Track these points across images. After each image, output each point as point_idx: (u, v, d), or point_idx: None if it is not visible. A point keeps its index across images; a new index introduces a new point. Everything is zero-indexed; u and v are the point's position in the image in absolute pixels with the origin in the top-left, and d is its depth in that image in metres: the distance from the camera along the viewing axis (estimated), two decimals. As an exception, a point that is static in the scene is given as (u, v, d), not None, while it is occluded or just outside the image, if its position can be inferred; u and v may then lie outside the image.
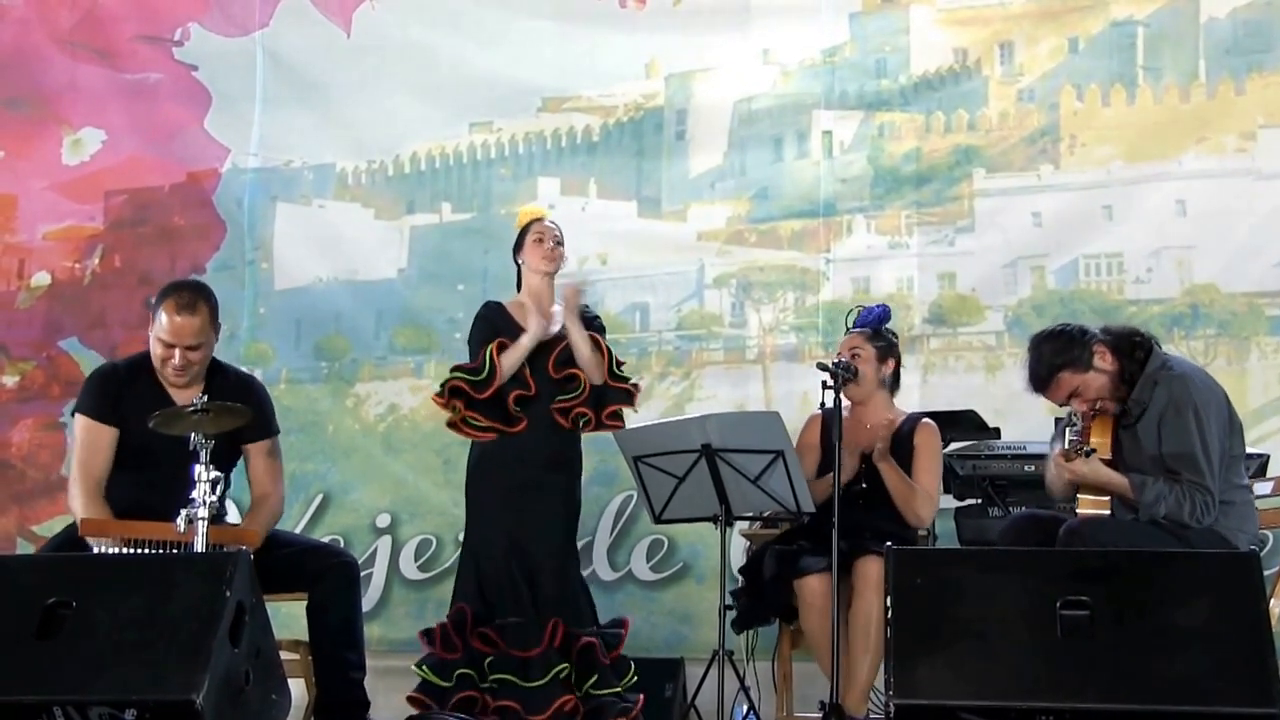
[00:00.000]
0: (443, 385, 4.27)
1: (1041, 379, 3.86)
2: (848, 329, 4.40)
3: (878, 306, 4.42)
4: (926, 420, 4.37)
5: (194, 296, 4.02)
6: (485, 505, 4.27)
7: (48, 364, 6.18)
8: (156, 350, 4.02)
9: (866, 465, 4.20)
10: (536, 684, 4.05)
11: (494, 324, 4.31)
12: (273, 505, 4.15)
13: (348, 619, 4.08)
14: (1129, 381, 3.79)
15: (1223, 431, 3.75)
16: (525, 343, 4.22)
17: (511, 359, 4.21)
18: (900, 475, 4.20)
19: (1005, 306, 5.34)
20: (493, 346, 4.20)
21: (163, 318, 3.98)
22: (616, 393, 4.30)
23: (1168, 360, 3.86)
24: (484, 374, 4.20)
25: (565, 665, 4.08)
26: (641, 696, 4.16)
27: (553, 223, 4.38)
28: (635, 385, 4.38)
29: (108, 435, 4.02)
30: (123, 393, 4.05)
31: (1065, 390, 3.83)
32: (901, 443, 4.28)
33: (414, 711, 4.13)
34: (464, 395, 4.21)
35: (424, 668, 4.14)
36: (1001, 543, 3.90)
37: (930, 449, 4.30)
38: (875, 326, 4.36)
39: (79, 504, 3.96)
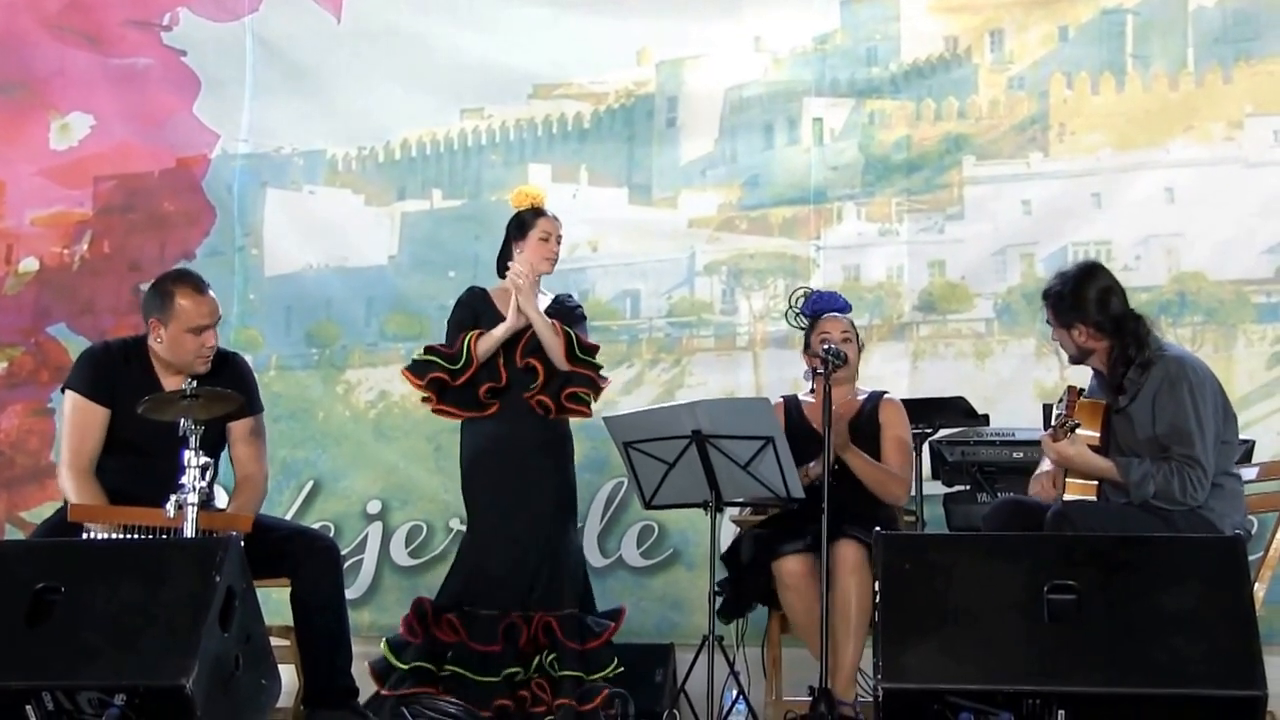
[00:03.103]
0: (417, 366, 4.29)
1: (1043, 292, 4.01)
2: (793, 307, 4.40)
3: (832, 293, 4.45)
4: (889, 397, 4.40)
5: (198, 276, 4.10)
6: (480, 497, 4.31)
7: (36, 350, 6.16)
8: (188, 343, 3.97)
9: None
10: (486, 680, 4.08)
11: (475, 310, 4.36)
12: (257, 486, 4.14)
13: (332, 605, 4.08)
14: (1126, 361, 3.81)
15: (1216, 411, 3.76)
16: (498, 333, 4.26)
17: (484, 346, 4.25)
18: (867, 461, 4.22)
19: (994, 294, 5.35)
20: (472, 336, 4.23)
21: (186, 305, 3.96)
22: (579, 377, 4.31)
23: (1163, 344, 3.90)
24: (461, 363, 4.23)
25: (519, 669, 4.11)
26: (605, 690, 4.15)
27: (557, 217, 4.41)
28: (604, 377, 4.38)
29: (100, 415, 4.00)
30: (116, 374, 4.03)
31: (1047, 314, 3.99)
32: (866, 422, 4.30)
33: (370, 680, 4.19)
34: (439, 383, 4.24)
35: (387, 642, 4.23)
36: (985, 528, 3.91)
37: (896, 425, 4.33)
38: (845, 313, 4.39)
39: (71, 486, 3.94)
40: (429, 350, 4.34)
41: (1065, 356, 4.10)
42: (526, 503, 4.25)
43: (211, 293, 4.06)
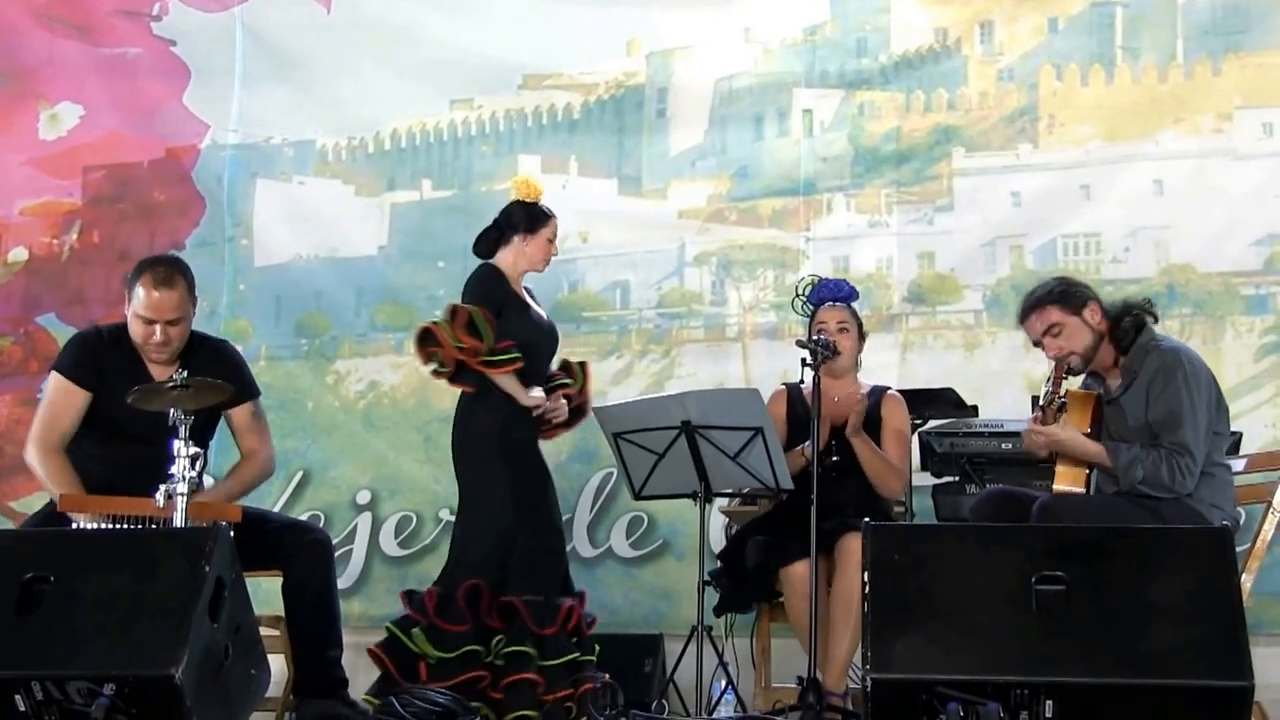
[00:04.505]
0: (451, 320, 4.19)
1: (1031, 303, 3.92)
2: (800, 295, 4.40)
3: (838, 281, 4.45)
4: (892, 392, 4.41)
5: (170, 271, 4.00)
6: (483, 474, 4.23)
7: (25, 340, 6.15)
8: (136, 329, 3.99)
9: (836, 439, 4.22)
10: (553, 663, 4.05)
11: (493, 291, 4.28)
12: (262, 460, 4.17)
13: (323, 596, 4.07)
14: (1123, 349, 3.83)
15: (1210, 403, 3.78)
16: (523, 399, 4.20)
17: (508, 388, 4.18)
18: (873, 449, 4.23)
19: (984, 286, 5.36)
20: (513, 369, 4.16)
21: (140, 293, 3.95)
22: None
23: (1159, 335, 3.93)
24: (501, 359, 4.16)
25: (577, 652, 4.09)
26: (607, 677, 4.14)
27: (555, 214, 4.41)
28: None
29: (80, 398, 3.99)
30: (104, 360, 4.03)
31: (1045, 322, 3.87)
32: (868, 415, 4.30)
33: (374, 667, 4.12)
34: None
35: (411, 634, 4.09)
36: (973, 518, 3.93)
37: (898, 421, 4.35)
38: (849, 301, 4.39)
39: (37, 461, 3.94)
40: (496, 352, 4.20)
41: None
42: (529, 479, 4.23)
43: (173, 292, 3.93)
